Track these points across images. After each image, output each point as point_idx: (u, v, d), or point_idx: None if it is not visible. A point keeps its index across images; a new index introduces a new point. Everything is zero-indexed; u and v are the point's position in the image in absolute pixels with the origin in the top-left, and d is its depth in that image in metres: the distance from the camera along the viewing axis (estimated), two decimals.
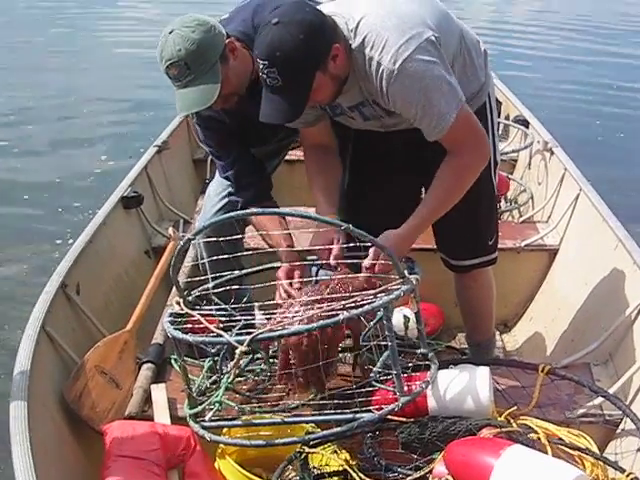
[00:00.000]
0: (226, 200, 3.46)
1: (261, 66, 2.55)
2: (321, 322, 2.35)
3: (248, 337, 2.30)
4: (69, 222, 6.53)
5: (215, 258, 2.81)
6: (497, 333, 4.17)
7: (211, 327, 2.45)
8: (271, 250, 3.03)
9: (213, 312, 2.74)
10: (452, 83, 2.67)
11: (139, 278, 3.97)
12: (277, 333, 2.35)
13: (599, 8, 20.57)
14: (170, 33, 2.84)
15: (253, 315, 3.14)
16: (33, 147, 8.53)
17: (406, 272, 2.55)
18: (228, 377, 2.66)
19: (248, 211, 2.58)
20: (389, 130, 2.98)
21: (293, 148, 3.87)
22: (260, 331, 2.34)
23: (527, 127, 5.67)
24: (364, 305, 2.39)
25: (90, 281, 3.61)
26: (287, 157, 3.89)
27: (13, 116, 9.53)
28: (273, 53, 2.51)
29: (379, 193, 3.17)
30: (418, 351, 2.76)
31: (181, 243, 2.55)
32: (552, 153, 5.07)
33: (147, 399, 3.01)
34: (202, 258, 3.26)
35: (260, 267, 3.12)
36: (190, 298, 2.76)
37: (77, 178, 7.68)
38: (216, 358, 2.94)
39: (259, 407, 2.71)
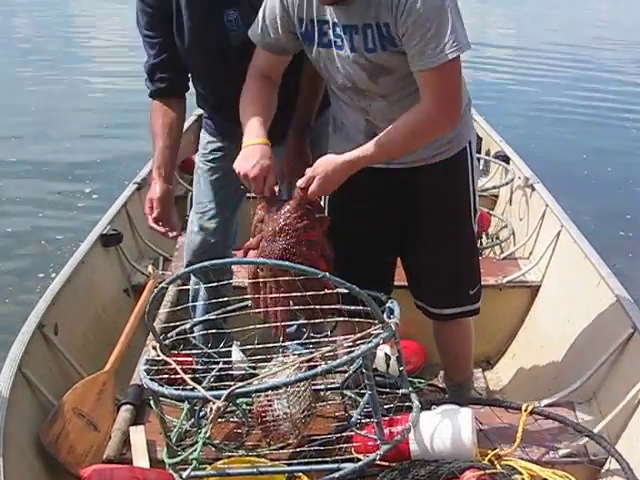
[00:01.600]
0: (200, 237, 3.45)
1: None
2: (299, 375, 2.36)
3: (224, 392, 2.28)
4: (51, 257, 6.45)
5: (193, 304, 2.79)
6: (479, 370, 4.16)
7: (187, 378, 2.41)
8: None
9: (192, 355, 2.71)
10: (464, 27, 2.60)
11: (118, 317, 3.93)
12: (254, 387, 2.33)
13: (574, 31, 20.73)
14: None
15: (230, 360, 3.09)
16: (15, 178, 8.48)
17: (385, 316, 2.53)
18: (205, 432, 2.61)
19: (222, 261, 2.58)
20: (360, 101, 2.85)
21: None
22: (237, 386, 2.31)
23: (508, 163, 5.68)
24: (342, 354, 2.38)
25: (68, 321, 3.56)
26: None
27: None
28: None
29: (359, 238, 3.07)
30: (400, 391, 2.73)
31: (155, 291, 2.52)
32: (533, 189, 5.07)
33: (126, 441, 2.96)
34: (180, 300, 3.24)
35: (239, 304, 3.07)
36: (167, 342, 2.72)
37: (58, 212, 7.63)
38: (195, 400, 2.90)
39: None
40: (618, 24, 24.52)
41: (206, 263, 2.48)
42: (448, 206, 3.01)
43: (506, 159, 5.76)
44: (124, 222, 4.65)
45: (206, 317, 2.97)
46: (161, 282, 2.59)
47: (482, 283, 3.28)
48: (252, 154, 2.66)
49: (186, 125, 5.84)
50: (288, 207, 2.63)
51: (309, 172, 2.64)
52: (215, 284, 2.70)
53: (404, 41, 2.57)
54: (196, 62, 3.20)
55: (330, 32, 2.71)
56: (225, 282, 2.82)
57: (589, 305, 3.72)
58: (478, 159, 5.22)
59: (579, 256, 4.05)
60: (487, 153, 6.19)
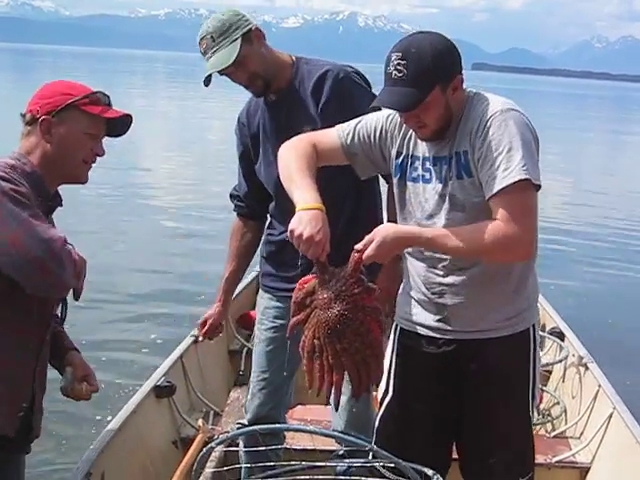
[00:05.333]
0: (254, 404, 3.63)
1: (393, 58, 2.67)
2: None
3: None
4: (106, 402, 6.48)
5: (241, 466, 2.81)
6: None
7: None
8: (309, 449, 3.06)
9: None
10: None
11: (165, 470, 3.94)
12: None
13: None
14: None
15: None
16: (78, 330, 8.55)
17: None
18: None
19: (272, 426, 2.61)
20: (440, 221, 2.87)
21: None
22: None
23: (562, 340, 5.68)
24: None
25: (115, 471, 3.59)
26: None
27: None
28: (409, 49, 2.66)
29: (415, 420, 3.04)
30: None
31: (204, 451, 2.55)
32: (587, 368, 5.05)
33: None
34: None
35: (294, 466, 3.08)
36: None
37: (113, 358, 7.70)
38: None
39: None
40: None
41: (256, 427, 2.52)
42: (507, 387, 2.98)
43: (561, 336, 5.76)
44: (179, 373, 4.71)
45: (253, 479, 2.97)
46: (210, 437, 2.62)
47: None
48: (315, 218, 2.64)
49: (246, 282, 6.03)
50: (343, 273, 2.63)
51: (368, 236, 2.67)
52: (264, 449, 2.73)
53: (479, 168, 2.70)
54: (275, 176, 3.36)
55: (419, 167, 2.88)
56: (273, 447, 2.85)
57: None
58: None
59: (631, 441, 4.00)
60: (542, 328, 6.18)
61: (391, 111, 2.89)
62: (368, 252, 2.63)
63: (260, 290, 3.80)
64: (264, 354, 3.67)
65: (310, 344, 2.64)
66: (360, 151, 2.98)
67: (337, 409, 2.74)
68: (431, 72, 2.66)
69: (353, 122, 3.00)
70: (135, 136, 27.24)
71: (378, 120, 2.97)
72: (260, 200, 3.67)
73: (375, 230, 2.69)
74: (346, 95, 3.36)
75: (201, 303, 8.14)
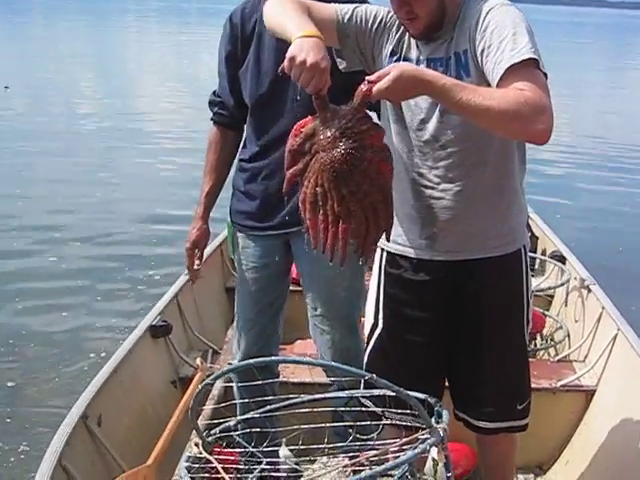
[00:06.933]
0: (244, 344, 3.55)
1: None
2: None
3: None
4: (100, 344, 6.42)
5: (238, 402, 2.74)
6: (532, 476, 4.04)
7: (227, 478, 2.35)
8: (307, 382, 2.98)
9: (235, 453, 2.65)
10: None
11: (164, 410, 3.88)
12: None
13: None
14: None
15: (278, 456, 3.04)
16: (67, 265, 8.55)
17: (433, 420, 2.45)
18: None
19: (268, 359, 2.53)
20: (417, 145, 2.78)
21: None
22: None
23: (564, 263, 5.61)
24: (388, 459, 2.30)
25: (113, 412, 3.54)
26: None
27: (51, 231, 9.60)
28: None
29: (411, 342, 2.98)
30: None
31: (199, 387, 2.48)
32: (589, 291, 4.99)
33: None
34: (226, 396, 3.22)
35: (287, 402, 3.02)
36: (211, 439, 2.67)
37: (108, 299, 7.67)
38: None
39: None
40: None
41: (251, 361, 2.42)
42: (501, 312, 2.92)
43: (562, 259, 5.69)
44: (174, 313, 4.65)
45: (250, 415, 2.91)
46: (209, 375, 2.55)
47: (535, 386, 3.20)
48: (317, 46, 2.42)
49: None
50: (349, 108, 2.40)
51: (381, 71, 2.40)
52: (260, 382, 2.66)
53: (483, 59, 2.53)
54: (260, 91, 3.31)
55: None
56: (270, 381, 2.78)
57: None
58: (534, 259, 5.19)
59: (636, 361, 3.95)
60: (543, 252, 6.13)
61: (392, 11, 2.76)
62: (380, 84, 2.36)
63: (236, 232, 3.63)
64: (247, 295, 3.56)
65: (312, 194, 2.40)
66: (353, 34, 2.82)
67: (342, 264, 2.47)
68: None
69: (352, 5, 2.85)
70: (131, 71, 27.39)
71: (379, 10, 2.84)
72: (243, 107, 3.46)
73: (390, 66, 2.45)
74: None
75: None
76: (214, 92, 3.59)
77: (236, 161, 3.59)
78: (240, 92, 3.44)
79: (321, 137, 2.37)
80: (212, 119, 3.60)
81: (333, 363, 2.44)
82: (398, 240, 2.89)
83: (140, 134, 16.02)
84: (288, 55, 2.40)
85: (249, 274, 3.53)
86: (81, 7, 78.70)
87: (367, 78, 2.40)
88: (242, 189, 3.51)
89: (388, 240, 2.68)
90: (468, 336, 2.94)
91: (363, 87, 2.38)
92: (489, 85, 2.50)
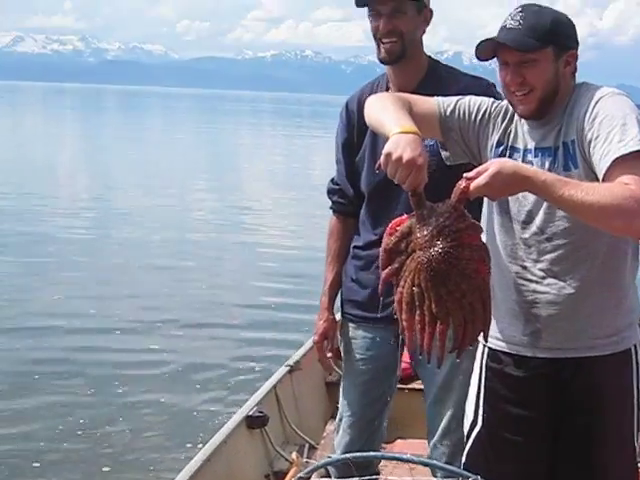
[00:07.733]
0: (347, 438, 3.42)
1: (511, 12, 2.58)
2: None
3: None
4: (197, 431, 6.40)
5: None
6: None
7: None
8: None
9: None
10: None
11: None
12: None
13: None
14: None
15: None
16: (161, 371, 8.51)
17: None
18: None
19: (366, 453, 2.42)
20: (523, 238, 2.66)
21: None
22: None
23: None
24: None
25: None
26: None
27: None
28: (530, 6, 2.58)
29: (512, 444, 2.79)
30: None
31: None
32: None
33: None
34: None
35: None
36: None
37: (205, 390, 7.63)
38: None
39: None
40: None
41: (348, 455, 2.33)
42: (612, 415, 2.71)
43: None
44: (272, 405, 4.57)
45: None
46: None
47: None
48: (414, 142, 2.36)
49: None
50: (446, 206, 2.32)
51: (480, 167, 2.35)
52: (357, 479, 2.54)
53: (590, 150, 2.45)
54: (377, 179, 3.22)
55: (519, 159, 2.64)
56: (367, 478, 2.65)
57: None
58: None
59: None
60: None
61: (497, 101, 2.74)
62: (478, 181, 2.29)
63: (341, 316, 3.54)
64: (353, 387, 3.44)
65: (409, 294, 2.31)
66: (457, 128, 2.75)
67: (439, 365, 2.41)
68: (548, 30, 2.52)
69: (455, 97, 2.80)
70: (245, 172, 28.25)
71: (483, 101, 2.78)
72: (361, 195, 3.41)
73: (488, 162, 2.39)
74: None
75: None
76: (332, 180, 3.55)
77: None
78: (358, 179, 3.40)
79: (418, 235, 2.31)
80: (331, 208, 3.55)
81: (435, 462, 2.32)
82: (499, 336, 2.77)
83: (246, 229, 16.56)
84: (384, 151, 2.35)
85: (357, 365, 3.42)
86: (196, 106, 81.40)
87: (465, 175, 2.34)
88: (354, 277, 3.43)
89: (486, 340, 2.61)
90: (572, 439, 2.75)
91: (461, 184, 2.31)
92: (597, 178, 2.42)
